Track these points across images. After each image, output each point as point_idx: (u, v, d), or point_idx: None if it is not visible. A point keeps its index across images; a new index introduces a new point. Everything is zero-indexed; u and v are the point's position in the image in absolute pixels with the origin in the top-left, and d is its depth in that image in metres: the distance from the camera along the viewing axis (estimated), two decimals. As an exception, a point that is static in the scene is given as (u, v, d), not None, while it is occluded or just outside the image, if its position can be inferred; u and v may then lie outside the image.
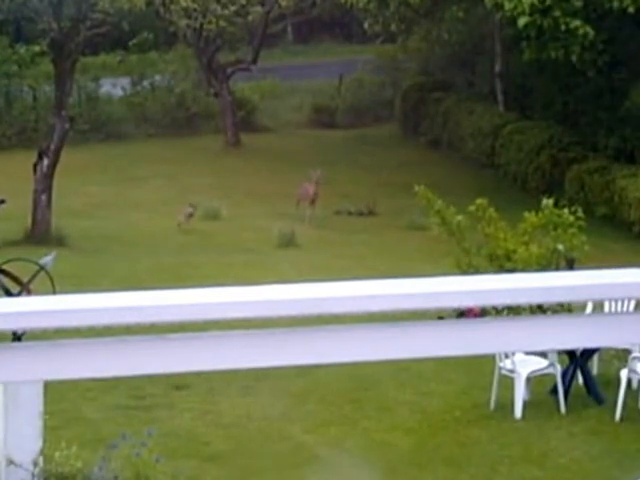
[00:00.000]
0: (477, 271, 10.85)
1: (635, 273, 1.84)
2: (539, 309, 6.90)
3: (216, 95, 24.04)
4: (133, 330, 1.65)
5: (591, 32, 17.64)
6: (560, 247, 10.89)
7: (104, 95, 25.20)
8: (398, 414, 8.88)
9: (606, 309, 7.64)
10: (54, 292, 10.24)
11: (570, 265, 10.82)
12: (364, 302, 1.73)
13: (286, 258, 14.86)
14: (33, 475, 5.98)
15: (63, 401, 8.42)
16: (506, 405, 8.80)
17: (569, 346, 2.61)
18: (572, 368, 9.03)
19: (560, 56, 18.10)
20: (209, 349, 1.72)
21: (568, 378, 8.99)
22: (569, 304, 6.25)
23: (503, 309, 6.28)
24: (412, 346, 1.79)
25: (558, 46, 18.05)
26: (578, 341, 1.94)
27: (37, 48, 21.11)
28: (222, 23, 22.09)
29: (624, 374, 8.65)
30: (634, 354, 8.70)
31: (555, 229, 11.04)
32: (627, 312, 5.54)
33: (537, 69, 20.74)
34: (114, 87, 25.13)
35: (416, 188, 11.53)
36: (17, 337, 5.73)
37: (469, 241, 11.27)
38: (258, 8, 22.64)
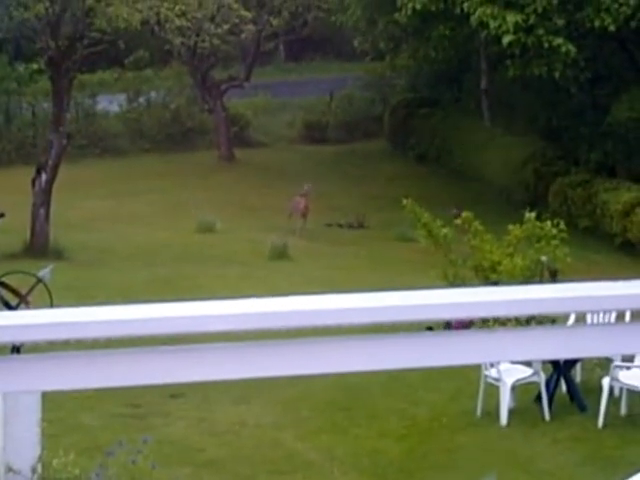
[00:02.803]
0: (463, 282, 11.01)
1: (615, 286, 1.87)
2: (524, 320, 7.20)
3: (210, 111, 24.44)
4: (130, 342, 1.73)
5: (573, 50, 17.98)
6: (544, 259, 11.05)
7: (101, 111, 25.40)
8: (387, 422, 8.98)
9: (588, 320, 7.83)
10: (52, 304, 10.31)
11: (553, 276, 10.98)
12: (352, 314, 1.78)
13: (278, 270, 15.06)
14: (31, 482, 6.03)
15: (61, 409, 8.46)
16: (492, 412, 8.90)
17: (553, 356, 2.62)
18: (556, 376, 9.16)
19: (543, 73, 18.44)
20: (201, 361, 1.77)
21: (552, 386, 9.10)
22: (553, 315, 6.52)
23: (489, 320, 6.65)
24: (400, 357, 1.82)
25: (541, 63, 18.42)
26: (562, 351, 1.98)
27: (35, 66, 21.27)
28: (216, 41, 22.42)
29: (606, 382, 8.76)
30: (616, 363, 8.80)
31: (538, 241, 11.22)
32: (608, 323, 5.72)
33: (521, 86, 21.13)
34: (111, 103, 25.33)
35: (404, 202, 11.72)
36: (16, 349, 5.80)
37: (455, 253, 11.42)
38: (251, 27, 22.97)
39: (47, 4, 18.05)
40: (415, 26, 20.50)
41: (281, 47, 30.05)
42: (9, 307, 10.68)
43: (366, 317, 1.79)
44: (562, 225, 11.33)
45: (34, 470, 6.02)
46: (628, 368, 8.94)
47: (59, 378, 1.75)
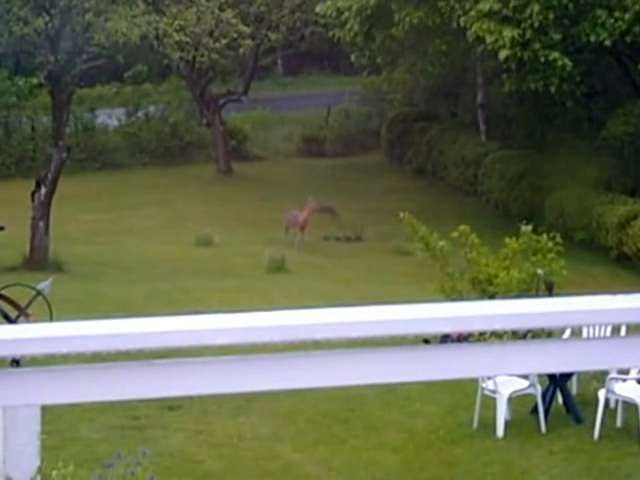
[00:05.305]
0: (460, 295, 11.07)
1: (610, 300, 1.87)
2: (521, 333, 7.28)
3: (208, 125, 24.61)
4: (128, 356, 1.76)
5: (569, 64, 18.10)
6: (540, 272, 11.07)
7: (100, 125, 25.59)
8: (385, 433, 9.00)
9: (584, 334, 7.93)
10: (51, 317, 10.35)
11: (549, 289, 10.98)
12: (350, 328, 1.80)
13: (276, 283, 15.12)
14: (31, 493, 6.03)
15: (60, 422, 8.55)
16: (488, 424, 8.93)
17: (549, 370, 2.61)
18: (552, 389, 9.21)
19: (539, 87, 18.58)
20: (198, 374, 1.78)
21: (548, 398, 9.14)
22: (549, 329, 6.63)
23: (485, 333, 6.73)
24: (396, 371, 1.82)
25: (537, 78, 18.56)
26: (557, 365, 1.94)
27: (35, 80, 21.43)
28: (214, 56, 22.61)
29: (602, 394, 8.82)
30: (611, 375, 8.82)
31: (534, 254, 11.25)
32: (604, 337, 5.76)
33: (517, 100, 21.32)
34: (109, 117, 25.53)
35: (401, 215, 11.74)
36: (15, 362, 5.69)
37: (452, 266, 11.45)
38: (249, 41, 23.19)
39: (47, 19, 18.24)
40: (412, 41, 20.70)
41: (279, 62, 30.30)
42: (8, 320, 10.70)
43: (363, 330, 1.80)
44: (558, 238, 11.34)
45: (33, 482, 6.04)
46: (624, 380, 9.00)
47: (58, 392, 1.76)
